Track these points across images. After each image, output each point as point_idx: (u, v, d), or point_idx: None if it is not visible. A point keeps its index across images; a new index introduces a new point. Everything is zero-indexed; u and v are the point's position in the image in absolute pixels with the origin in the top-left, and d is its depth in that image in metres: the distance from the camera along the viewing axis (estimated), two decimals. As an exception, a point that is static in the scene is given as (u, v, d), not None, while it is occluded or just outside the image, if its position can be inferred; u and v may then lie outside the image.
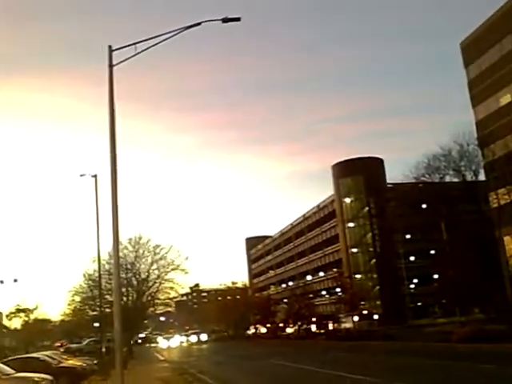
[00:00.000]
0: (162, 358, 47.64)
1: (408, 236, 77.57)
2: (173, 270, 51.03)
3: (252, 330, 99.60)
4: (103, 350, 33.54)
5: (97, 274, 38.27)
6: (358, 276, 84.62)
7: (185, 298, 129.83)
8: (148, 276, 50.44)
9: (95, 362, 31.76)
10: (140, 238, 50.31)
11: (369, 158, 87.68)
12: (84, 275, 50.35)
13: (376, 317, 74.49)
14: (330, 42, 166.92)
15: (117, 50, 15.73)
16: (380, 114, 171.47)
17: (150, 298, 52.05)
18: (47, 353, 31.85)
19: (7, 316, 68.65)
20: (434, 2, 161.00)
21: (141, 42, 15.33)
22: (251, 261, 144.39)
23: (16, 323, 71.46)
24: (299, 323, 78.65)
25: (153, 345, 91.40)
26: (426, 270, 72.69)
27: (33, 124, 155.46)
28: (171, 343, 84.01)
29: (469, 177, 55.08)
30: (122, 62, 15.65)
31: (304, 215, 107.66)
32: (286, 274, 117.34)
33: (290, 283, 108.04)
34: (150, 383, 23.87)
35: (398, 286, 79.51)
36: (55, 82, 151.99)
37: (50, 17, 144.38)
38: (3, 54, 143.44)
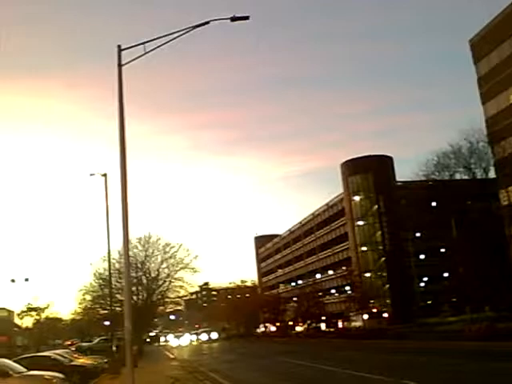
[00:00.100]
0: (172, 357, 47.76)
1: (418, 234, 77.18)
2: (182, 268, 51.28)
3: (262, 329, 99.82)
4: (114, 348, 33.65)
5: (107, 273, 38.47)
6: (368, 274, 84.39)
7: (194, 296, 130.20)
8: (158, 275, 50.71)
9: (106, 360, 31.88)
10: (150, 237, 50.63)
11: (378, 156, 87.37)
12: (94, 274, 50.76)
13: (386, 315, 74.44)
14: (335, 39, 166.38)
15: (126, 49, 15.78)
16: (389, 112, 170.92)
17: (159, 296, 52.33)
18: (58, 351, 32.01)
19: (19, 315, 69.08)
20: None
21: (149, 41, 15.36)
22: (260, 259, 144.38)
23: (28, 322, 72.00)
24: (309, 322, 78.76)
25: (162, 343, 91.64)
26: (436, 268, 72.31)
27: (44, 124, 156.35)
28: (181, 342, 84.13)
29: (479, 174, 54.85)
30: (131, 61, 15.71)
31: (313, 213, 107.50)
32: (295, 272, 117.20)
33: (300, 282, 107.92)
34: (160, 381, 23.92)
35: (408, 284, 79.17)
36: (64, 82, 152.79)
37: (60, 16, 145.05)
38: (17, 54, 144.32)
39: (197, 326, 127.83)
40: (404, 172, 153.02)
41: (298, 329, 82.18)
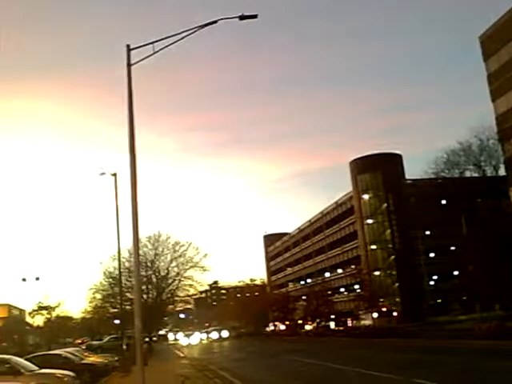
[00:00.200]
0: (182, 355, 47.91)
1: (427, 232, 76.96)
2: (191, 267, 51.42)
3: (271, 327, 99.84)
4: (124, 346, 33.83)
5: (117, 272, 38.65)
6: (377, 273, 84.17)
7: (204, 295, 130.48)
8: (167, 273, 50.89)
9: (116, 358, 32.05)
10: (159, 236, 50.80)
11: (387, 153, 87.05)
12: (104, 273, 51.00)
13: (395, 314, 74.21)
14: (342, 38, 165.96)
15: (135, 48, 15.87)
16: (398, 110, 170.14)
17: (169, 295, 52.51)
18: (69, 349, 32.23)
19: (30, 313, 69.57)
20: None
21: (158, 40, 15.43)
22: (269, 258, 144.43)
23: (39, 320, 72.47)
24: (318, 320, 78.62)
25: (171, 342, 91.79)
26: (445, 267, 72.07)
27: (55, 124, 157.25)
28: (191, 340, 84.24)
29: (489, 172, 54.54)
30: (140, 60, 15.80)
31: (322, 212, 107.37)
32: (304, 271, 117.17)
33: (309, 280, 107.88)
34: (170, 379, 24.04)
35: (418, 282, 78.91)
36: (73, 82, 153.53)
37: (68, 17, 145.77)
38: (27, 55, 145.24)
39: (206, 324, 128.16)
40: (413, 170, 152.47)
41: (308, 327, 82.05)
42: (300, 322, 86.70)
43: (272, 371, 25.64)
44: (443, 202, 58.61)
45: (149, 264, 49.50)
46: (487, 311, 47.70)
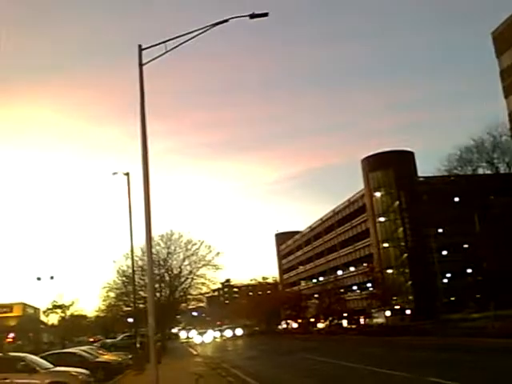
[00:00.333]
0: (195, 353, 48.12)
1: (440, 230, 76.49)
2: (204, 265, 51.59)
3: (283, 325, 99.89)
4: (137, 345, 34.04)
5: (130, 271, 38.89)
6: (390, 271, 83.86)
7: (216, 293, 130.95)
8: (180, 272, 51.10)
9: (130, 356, 32.27)
10: (172, 235, 51.01)
11: (399, 151, 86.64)
12: (118, 271, 51.33)
13: (408, 312, 73.91)
14: (354, 34, 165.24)
15: (146, 48, 15.99)
16: (410, 107, 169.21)
17: (182, 293, 52.70)
18: (83, 348, 32.52)
19: (44, 312, 70.17)
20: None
21: (169, 40, 15.53)
22: (281, 256, 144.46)
23: (53, 319, 73.10)
24: (330, 318, 78.55)
25: (184, 340, 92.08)
26: (459, 264, 71.63)
27: (67, 124, 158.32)
28: (205, 338, 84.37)
29: (502, 169, 54.11)
30: (151, 60, 15.92)
31: (334, 210, 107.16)
32: (316, 269, 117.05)
33: (321, 278, 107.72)
34: (183, 377, 24.18)
35: (431, 280, 78.48)
36: (84, 82, 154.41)
37: (79, 17, 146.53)
38: (40, 54, 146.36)
39: (219, 322, 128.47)
40: (426, 167, 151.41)
41: (320, 326, 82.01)
42: (312, 320, 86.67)
43: (285, 369, 25.69)
44: (456, 199, 58.23)
45: (161, 262, 49.74)
46: (501, 309, 47.37)
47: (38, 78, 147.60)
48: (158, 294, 46.02)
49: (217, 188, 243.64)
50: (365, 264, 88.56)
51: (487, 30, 61.44)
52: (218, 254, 51.63)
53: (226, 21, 15.58)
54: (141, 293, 43.24)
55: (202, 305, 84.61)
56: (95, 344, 50.87)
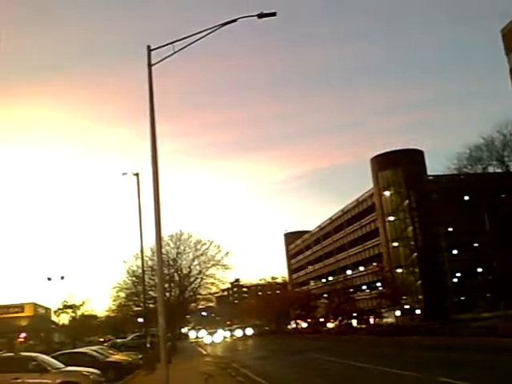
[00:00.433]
0: (205, 353, 48.22)
1: (450, 229, 76.09)
2: (213, 265, 51.68)
3: (293, 325, 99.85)
4: (148, 344, 34.18)
5: (140, 271, 39.05)
6: (399, 270, 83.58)
7: (225, 293, 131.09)
8: (190, 272, 51.22)
9: (140, 356, 32.40)
10: (181, 235, 51.14)
11: (408, 150, 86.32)
12: (128, 271, 51.53)
13: (418, 311, 73.63)
14: (362, 34, 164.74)
15: (155, 49, 16.06)
16: (419, 106, 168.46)
17: (191, 293, 52.82)
18: (94, 347, 32.70)
19: (55, 312, 70.57)
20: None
21: (178, 40, 15.59)
22: (290, 256, 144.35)
23: (64, 319, 73.48)
24: (340, 318, 78.40)
25: (193, 340, 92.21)
26: (469, 264, 71.24)
27: (77, 123, 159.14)
28: (215, 338, 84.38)
29: (512, 167, 53.74)
30: (160, 61, 15.99)
31: (343, 210, 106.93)
32: (325, 268, 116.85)
33: (330, 278, 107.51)
34: (193, 377, 24.24)
35: (441, 280, 78.16)
36: (89, 82, 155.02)
37: (88, 17, 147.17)
38: (44, 54, 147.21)
39: (228, 322, 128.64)
40: (436, 166, 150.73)
41: (330, 325, 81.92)
42: (322, 320, 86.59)
43: (295, 369, 25.69)
44: (466, 198, 57.87)
45: (171, 262, 49.87)
46: (511, 308, 47.09)
47: (43, 77, 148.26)
48: (167, 294, 46.13)
49: (225, 188, 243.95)
50: (374, 263, 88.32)
51: (496, 29, 61.02)
52: (227, 253, 51.77)
53: (234, 21, 15.61)
54: (151, 293, 43.41)
55: (211, 305, 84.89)
56: (105, 344, 51.15)
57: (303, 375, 22.76)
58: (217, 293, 60.84)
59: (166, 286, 45.64)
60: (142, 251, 33.84)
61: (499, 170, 54.70)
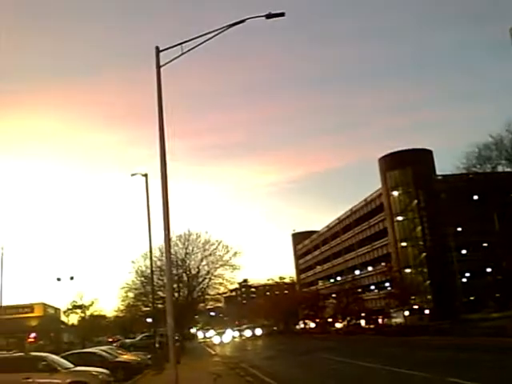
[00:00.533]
0: (214, 353, 48.29)
1: (459, 229, 75.74)
2: (222, 265, 51.70)
3: (301, 325, 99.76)
4: (156, 345, 34.30)
5: (149, 271, 39.15)
6: (408, 270, 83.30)
7: (234, 293, 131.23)
8: (198, 272, 51.25)
9: (149, 356, 32.51)
10: (189, 235, 51.20)
11: (417, 149, 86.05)
12: (136, 272, 51.63)
13: (427, 311, 73.33)
14: (366, 33, 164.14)
15: (164, 50, 16.12)
16: (428, 104, 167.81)
17: (200, 293, 52.85)
18: (103, 347, 32.85)
19: (65, 312, 70.96)
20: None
21: (187, 41, 15.64)
22: (298, 256, 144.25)
23: (73, 319, 73.91)
24: (348, 318, 78.24)
25: (201, 340, 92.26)
26: (478, 263, 70.88)
27: (85, 124, 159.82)
28: (224, 338, 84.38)
29: (522, 166, 53.41)
30: (169, 62, 16.05)
31: (351, 209, 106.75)
32: (333, 269, 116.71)
33: (338, 278, 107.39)
34: (202, 377, 24.30)
35: (450, 279, 77.84)
36: (102, 83, 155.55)
37: (97, 19, 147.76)
38: (59, 55, 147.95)
39: (236, 322, 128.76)
40: (444, 165, 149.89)
41: (338, 325, 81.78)
42: (330, 320, 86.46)
43: (303, 369, 25.70)
44: (475, 197, 57.56)
45: (180, 263, 49.93)
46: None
47: (49, 80, 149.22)
48: (176, 294, 46.19)
49: (233, 188, 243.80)
50: (383, 263, 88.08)
51: (505, 27, 60.77)
52: (236, 254, 51.74)
53: (242, 21, 15.62)
54: (159, 293, 43.48)
55: (219, 305, 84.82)
56: (114, 344, 51.36)
57: (312, 375, 22.75)
58: (225, 293, 60.83)
59: (175, 286, 45.71)
60: (150, 251, 33.97)
61: (508, 170, 54.37)
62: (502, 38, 61.56)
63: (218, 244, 51.69)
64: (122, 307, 66.66)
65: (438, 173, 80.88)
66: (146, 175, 31.47)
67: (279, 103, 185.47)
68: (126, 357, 30.26)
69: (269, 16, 15.33)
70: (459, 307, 74.39)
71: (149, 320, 54.32)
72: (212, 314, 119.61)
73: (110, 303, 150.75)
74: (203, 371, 26.76)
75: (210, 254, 51.52)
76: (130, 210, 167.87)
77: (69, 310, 70.17)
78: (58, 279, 62.07)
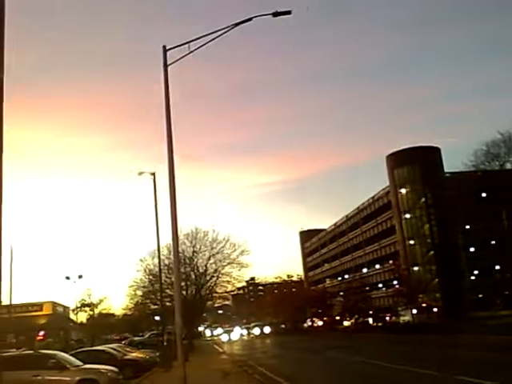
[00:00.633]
0: (222, 351, 48.39)
1: (467, 226, 75.52)
2: (229, 264, 51.71)
3: (308, 323, 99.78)
4: (165, 343, 34.39)
5: (157, 269, 39.25)
6: (416, 268, 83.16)
7: (241, 291, 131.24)
8: (206, 270, 51.27)
9: (157, 354, 32.61)
10: (197, 233, 51.24)
11: (425, 147, 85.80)
12: (145, 270, 51.77)
13: (435, 309, 73.20)
14: (374, 29, 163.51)
15: (171, 49, 16.14)
16: (436, 101, 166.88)
17: (208, 291, 52.87)
18: (112, 345, 32.99)
19: (73, 310, 71.30)
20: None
21: (194, 40, 15.65)
22: (306, 254, 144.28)
23: (82, 317, 74.22)
24: (356, 316, 78.23)
25: (208, 338, 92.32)
26: (487, 261, 70.68)
27: (93, 124, 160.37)
28: (232, 336, 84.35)
29: (530, 163, 53.18)
30: (176, 61, 16.08)
31: (358, 207, 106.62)
32: (341, 266, 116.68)
33: (346, 276, 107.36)
34: (210, 374, 24.36)
35: (458, 277, 77.62)
36: (110, 83, 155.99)
37: (110, 19, 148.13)
38: (70, 55, 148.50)
39: (244, 320, 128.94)
40: (453, 163, 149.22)
41: (346, 323, 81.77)
42: (338, 318, 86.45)
43: (311, 367, 25.68)
44: (483, 195, 57.41)
45: (187, 261, 49.94)
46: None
47: (52, 79, 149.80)
48: (184, 293, 46.20)
49: (240, 186, 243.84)
50: (391, 261, 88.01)
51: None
52: (243, 252, 51.73)
53: (249, 19, 15.62)
54: (167, 291, 43.59)
55: (227, 303, 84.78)
56: (123, 342, 51.61)
57: (323, 374, 22.71)
58: (233, 291, 60.72)
59: (183, 284, 45.71)
60: (158, 250, 34.04)
61: (517, 167, 54.17)
62: (508, 34, 60.98)
63: (226, 242, 51.72)
64: (131, 305, 66.84)
65: (446, 170, 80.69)
66: (153, 174, 31.55)
67: (286, 102, 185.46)
68: (135, 355, 30.39)
69: (276, 14, 15.33)
70: (467, 305, 74.18)
71: (157, 318, 54.49)
72: (220, 311, 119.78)
73: (118, 301, 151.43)
74: (211, 369, 26.81)
75: (218, 253, 51.52)
76: (138, 208, 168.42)
77: (77, 308, 70.45)
78: (67, 278, 62.45)
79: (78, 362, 21.35)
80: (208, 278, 51.64)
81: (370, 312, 78.13)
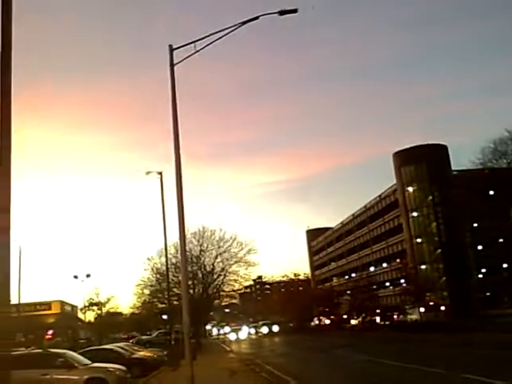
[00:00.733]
0: (229, 349, 48.44)
1: (475, 224, 75.26)
2: (236, 262, 51.79)
3: (316, 322, 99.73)
4: (173, 342, 34.48)
5: (164, 268, 39.37)
6: (423, 267, 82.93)
7: (248, 290, 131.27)
8: (213, 269, 51.36)
9: (165, 353, 32.69)
10: (204, 232, 51.33)
11: (432, 145, 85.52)
12: (152, 269, 51.92)
13: (443, 308, 72.99)
14: (380, 28, 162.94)
15: (177, 48, 16.17)
16: (443, 99, 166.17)
17: (215, 290, 52.97)
18: (120, 344, 33.10)
19: (81, 309, 71.64)
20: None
21: (200, 39, 15.67)
22: (312, 253, 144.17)
23: (90, 316, 74.56)
24: (363, 315, 78.09)
25: (215, 337, 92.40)
26: (494, 259, 70.47)
27: (99, 126, 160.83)
28: (240, 335, 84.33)
29: (538, 161, 52.91)
30: (182, 60, 16.10)
31: (365, 206, 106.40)
32: (348, 265, 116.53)
33: (353, 275, 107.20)
34: (218, 373, 24.39)
35: (466, 276, 77.33)
36: (117, 83, 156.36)
37: (117, 18, 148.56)
38: (87, 55, 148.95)
39: (251, 319, 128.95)
40: (460, 161, 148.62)
41: (353, 322, 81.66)
42: (345, 316, 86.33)
43: (318, 365, 25.67)
44: (491, 192, 57.18)
45: (194, 260, 50.05)
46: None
47: (56, 79, 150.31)
48: (191, 291, 46.33)
49: (246, 185, 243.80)
50: (398, 260, 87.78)
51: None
52: (250, 251, 51.80)
53: (256, 18, 15.63)
54: (175, 290, 43.71)
55: (234, 301, 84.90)
56: (131, 341, 51.80)
57: (331, 373, 22.67)
58: (240, 290, 60.81)
59: (190, 283, 45.83)
60: (165, 249, 34.14)
61: (525, 164, 53.91)
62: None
63: (233, 241, 51.79)
64: (138, 304, 67.13)
65: (453, 168, 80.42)
66: (160, 173, 31.63)
67: (291, 100, 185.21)
68: (143, 353, 30.49)
69: (282, 13, 15.33)
70: (475, 303, 73.90)
71: (164, 317, 54.59)
72: (227, 310, 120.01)
73: (126, 300, 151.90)
74: (219, 367, 26.84)
75: (225, 251, 51.61)
76: (146, 207, 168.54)
77: (86, 307, 70.78)
78: (75, 277, 62.72)
79: (87, 361, 21.43)
80: (215, 276, 51.74)
81: (378, 311, 77.95)
